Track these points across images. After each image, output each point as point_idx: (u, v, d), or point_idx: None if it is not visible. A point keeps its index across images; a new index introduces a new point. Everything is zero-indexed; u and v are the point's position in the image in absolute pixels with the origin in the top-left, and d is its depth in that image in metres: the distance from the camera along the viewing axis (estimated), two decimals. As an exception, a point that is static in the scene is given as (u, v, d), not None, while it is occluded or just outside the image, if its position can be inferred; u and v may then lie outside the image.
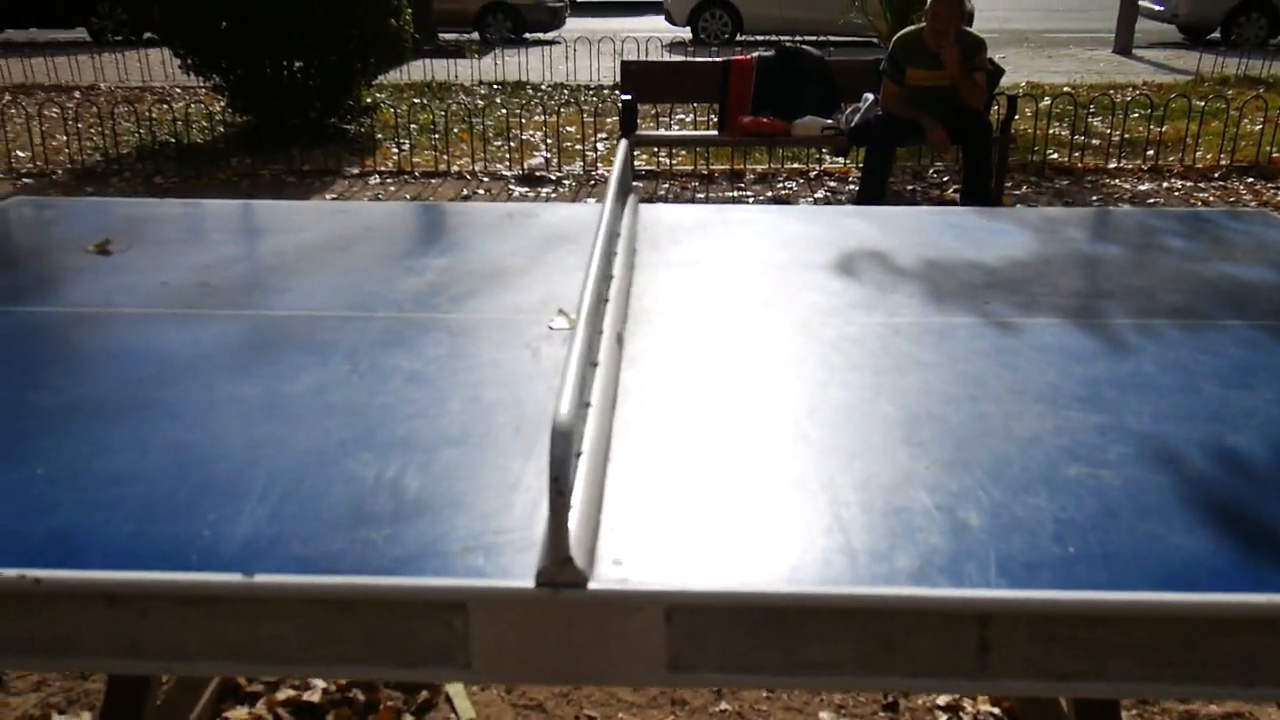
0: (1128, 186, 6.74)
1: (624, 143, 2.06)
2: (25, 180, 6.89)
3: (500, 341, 1.45)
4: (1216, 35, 15.07)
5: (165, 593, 0.91)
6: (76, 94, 10.26)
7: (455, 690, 2.09)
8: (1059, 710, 1.85)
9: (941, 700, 2.11)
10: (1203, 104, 7.82)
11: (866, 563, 0.94)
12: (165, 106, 8.72)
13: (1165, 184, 6.82)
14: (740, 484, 1.08)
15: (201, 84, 8.65)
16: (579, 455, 1.04)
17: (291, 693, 2.08)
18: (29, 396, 1.27)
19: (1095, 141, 7.83)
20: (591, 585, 0.91)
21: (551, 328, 1.50)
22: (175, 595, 0.92)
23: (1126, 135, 7.75)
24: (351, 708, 2.05)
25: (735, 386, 1.31)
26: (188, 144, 7.94)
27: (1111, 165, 7.23)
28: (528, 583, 0.91)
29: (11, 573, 0.92)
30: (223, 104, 8.57)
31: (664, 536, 0.98)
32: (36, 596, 0.92)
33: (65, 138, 7.88)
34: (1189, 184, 6.83)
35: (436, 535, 0.98)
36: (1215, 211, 2.17)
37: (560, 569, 0.90)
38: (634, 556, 0.95)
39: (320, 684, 2.09)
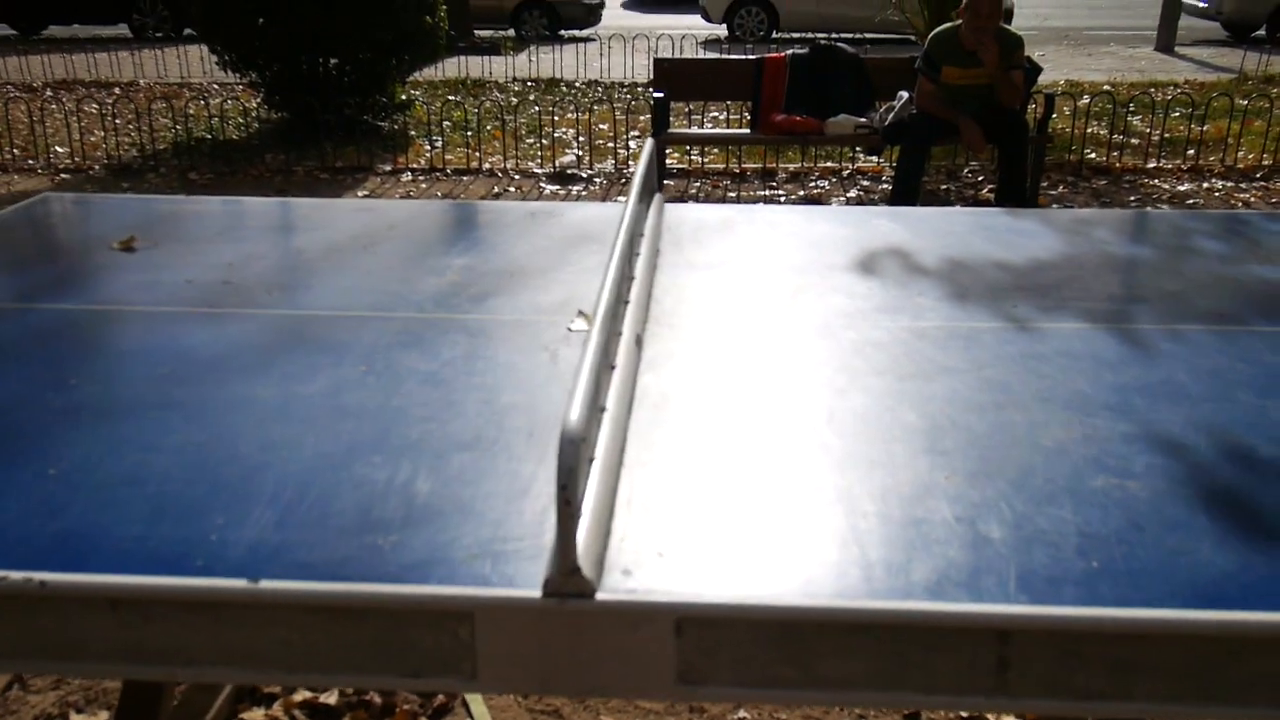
0: (1167, 187, 6.64)
1: (650, 142, 2.04)
2: (63, 176, 6.96)
3: (518, 343, 1.43)
4: (1261, 33, 14.84)
5: (169, 598, 0.90)
6: (116, 90, 10.37)
7: (472, 695, 2.08)
8: (1087, 723, 1.81)
9: (964, 712, 2.07)
10: (1246, 103, 7.70)
11: (883, 576, 0.92)
12: (202, 103, 8.79)
13: (1205, 184, 6.71)
14: (756, 493, 1.05)
15: (238, 81, 8.71)
16: (591, 461, 1.02)
17: (308, 694, 2.08)
18: (45, 395, 1.26)
19: (1134, 141, 7.72)
20: (600, 596, 0.89)
21: (570, 329, 1.49)
22: (179, 600, 0.91)
23: (1167, 134, 7.64)
24: (368, 710, 2.04)
25: (754, 391, 1.29)
26: (223, 140, 8.00)
27: (1150, 165, 7.12)
28: (535, 593, 0.89)
29: (18, 575, 0.91)
30: (258, 100, 8.63)
31: (676, 546, 0.96)
32: (42, 600, 0.91)
33: (103, 133, 7.96)
34: (1230, 184, 6.72)
35: (444, 542, 0.96)
36: (1252, 214, 2.12)
37: (567, 579, 0.88)
38: (644, 567, 0.93)
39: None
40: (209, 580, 0.91)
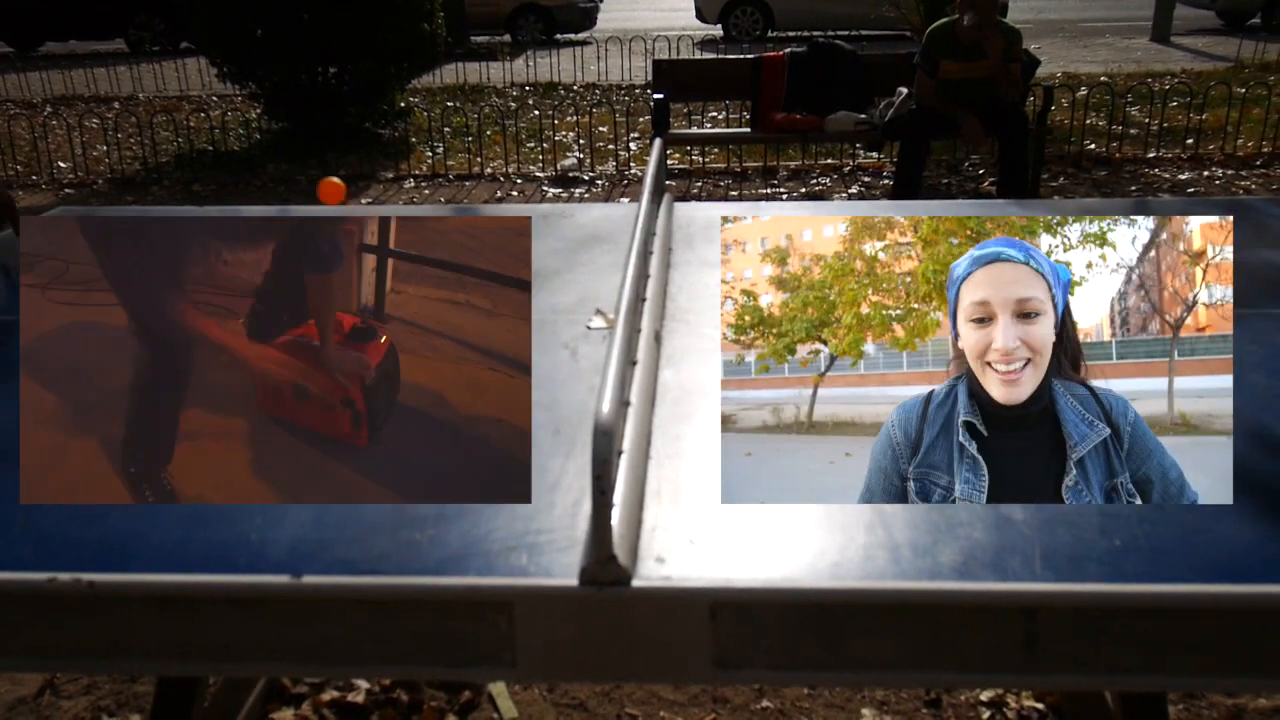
0: (1167, 176, 6.66)
1: (658, 141, 2.06)
2: (67, 190, 6.99)
3: (538, 342, 1.45)
4: (1257, 21, 14.85)
5: (215, 595, 0.93)
6: (116, 104, 10.40)
7: (498, 690, 2.10)
8: (1104, 705, 1.83)
9: (985, 696, 2.09)
10: (1243, 91, 7.72)
11: (910, 558, 0.94)
12: (202, 115, 8.83)
13: (1205, 173, 6.73)
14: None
15: (238, 92, 8.74)
16: (620, 454, 1.04)
17: (336, 694, 2.10)
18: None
19: (1133, 131, 7.74)
20: (635, 583, 0.91)
21: (589, 328, 1.51)
22: (225, 597, 0.93)
23: (1165, 124, 7.65)
24: (395, 708, 2.07)
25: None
26: (225, 151, 8.03)
27: (1150, 155, 7.14)
28: (571, 581, 0.91)
29: (66, 577, 0.94)
30: (259, 111, 8.66)
31: (706, 534, 0.98)
32: (90, 600, 0.94)
33: (105, 148, 7.99)
34: (1230, 172, 6.73)
35: (479, 536, 0.99)
36: (1257, 200, 2.14)
37: (604, 567, 0.90)
38: (677, 554, 0.95)
39: (364, 685, 2.11)
40: (254, 576, 0.93)
